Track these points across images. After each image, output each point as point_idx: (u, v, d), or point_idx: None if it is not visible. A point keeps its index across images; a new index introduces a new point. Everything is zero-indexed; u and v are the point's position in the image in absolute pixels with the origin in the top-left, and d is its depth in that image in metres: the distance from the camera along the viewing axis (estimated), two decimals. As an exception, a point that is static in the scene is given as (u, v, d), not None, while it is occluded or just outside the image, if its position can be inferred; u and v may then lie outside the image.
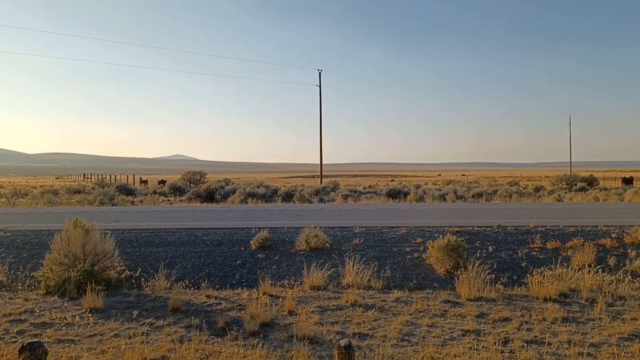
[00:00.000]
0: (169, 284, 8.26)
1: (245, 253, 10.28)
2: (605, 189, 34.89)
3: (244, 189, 30.96)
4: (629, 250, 10.17)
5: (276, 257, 10.01)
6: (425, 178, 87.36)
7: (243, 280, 8.87)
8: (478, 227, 12.36)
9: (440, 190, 32.30)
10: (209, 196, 29.72)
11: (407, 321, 6.46)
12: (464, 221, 13.83)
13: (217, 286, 8.44)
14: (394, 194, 29.96)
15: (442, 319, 6.58)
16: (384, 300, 7.48)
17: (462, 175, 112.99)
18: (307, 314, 6.76)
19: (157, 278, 8.35)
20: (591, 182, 40.06)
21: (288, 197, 28.98)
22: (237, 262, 9.75)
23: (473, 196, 29.60)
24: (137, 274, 8.78)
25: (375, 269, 8.95)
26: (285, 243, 10.92)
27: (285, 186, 38.34)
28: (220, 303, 7.41)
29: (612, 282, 8.25)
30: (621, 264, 9.49)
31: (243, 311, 6.85)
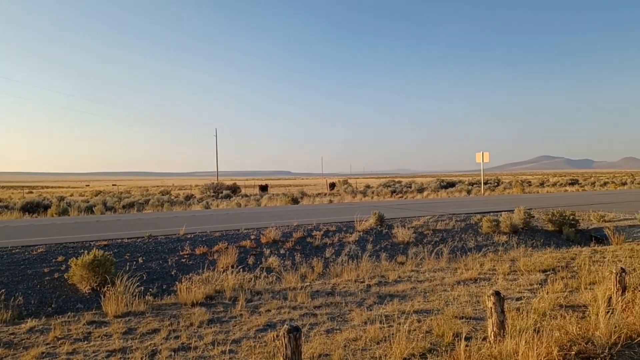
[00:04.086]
0: None
1: None
2: (246, 196, 39.14)
3: None
4: (265, 249, 11.53)
5: None
6: (71, 189, 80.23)
7: None
8: (128, 238, 11.92)
9: (88, 202, 30.10)
10: None
11: (43, 352, 5.58)
12: (113, 234, 13.14)
13: None
14: (32, 208, 26.25)
15: (86, 342, 5.95)
16: (13, 334, 6.30)
17: (113, 185, 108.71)
18: None
19: None
20: (235, 189, 44.39)
21: None
22: None
23: (124, 207, 28.67)
24: None
25: (2, 297, 7.52)
26: None
27: None
28: None
29: (251, 279, 9.14)
30: (258, 262, 10.67)
31: None
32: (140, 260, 10.24)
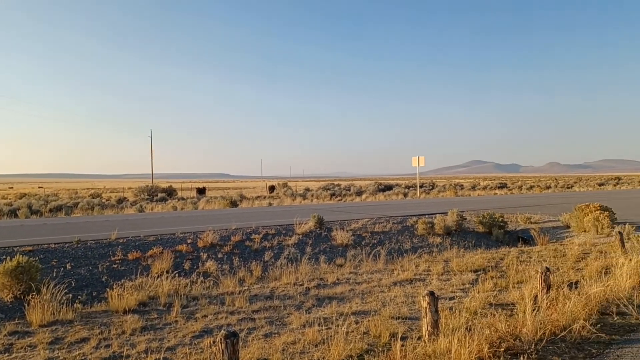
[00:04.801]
0: None
1: None
2: (183, 199, 38.20)
3: None
4: (202, 253, 11.28)
5: None
6: (-7, 191, 75.21)
7: None
8: (55, 244, 11.31)
9: (12, 205, 28.32)
10: None
11: (-43, 368, 5.18)
12: (39, 239, 12.42)
13: None
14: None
15: (7, 354, 5.58)
16: None
17: (40, 187, 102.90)
18: None
19: None
20: (170, 192, 43.20)
21: None
22: None
23: (51, 210, 27.22)
24: None
25: None
26: None
27: None
28: None
29: (187, 284, 8.91)
30: (195, 267, 10.42)
31: None
32: (68, 266, 9.74)
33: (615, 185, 62.32)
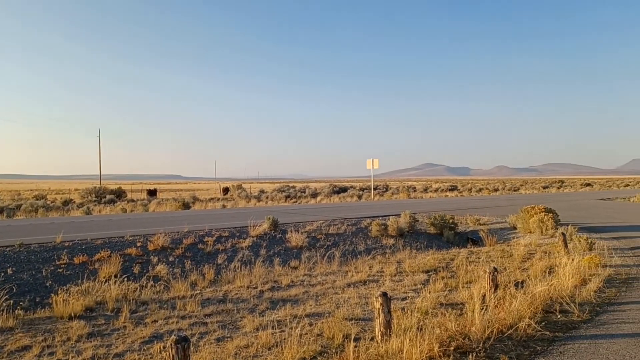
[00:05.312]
0: None
1: None
2: (133, 201, 37.14)
3: None
4: (152, 257, 11.00)
5: None
6: None
7: None
8: (-5, 247, 10.76)
9: (-53, 207, 26.72)
10: None
11: None
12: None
13: None
14: None
15: (-61, 367, 5.26)
16: None
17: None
18: None
19: None
20: (120, 194, 41.92)
21: None
22: None
23: (-9, 212, 25.85)
24: None
25: None
26: None
27: None
28: None
29: (137, 289, 8.66)
30: (145, 271, 10.15)
31: None
32: (9, 271, 9.28)
33: (558, 188, 65.12)
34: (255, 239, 13.32)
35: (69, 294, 7.71)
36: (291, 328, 5.71)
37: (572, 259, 8.66)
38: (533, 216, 14.86)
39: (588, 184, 76.91)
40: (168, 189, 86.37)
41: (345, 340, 5.12)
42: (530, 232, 14.64)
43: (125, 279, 9.04)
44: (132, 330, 6.37)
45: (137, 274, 9.89)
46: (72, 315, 7.02)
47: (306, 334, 5.77)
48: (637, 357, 4.59)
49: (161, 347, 5.41)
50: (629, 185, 75.88)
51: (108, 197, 38.63)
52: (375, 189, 53.19)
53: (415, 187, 67.16)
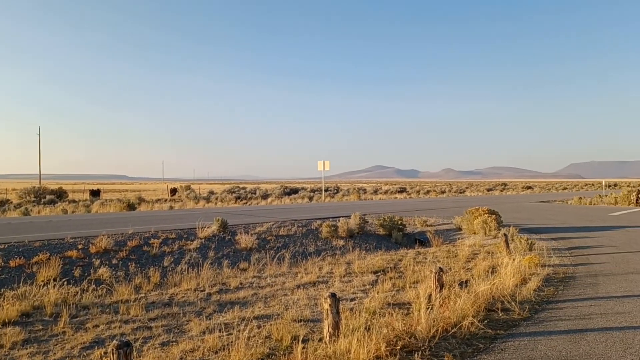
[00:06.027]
0: None
1: None
2: (75, 201, 35.72)
3: None
4: (94, 259, 10.60)
5: None
6: None
7: None
8: None
9: None
10: None
11: None
12: None
13: None
14: None
15: None
16: None
17: None
18: None
19: None
20: (61, 194, 40.20)
21: None
22: None
23: None
24: None
25: None
26: None
27: None
28: None
29: (78, 293, 8.32)
30: (86, 274, 9.77)
31: None
32: None
33: (502, 191, 67.66)
34: (203, 240, 13.09)
35: (4, 298, 7.32)
36: (239, 331, 5.63)
37: (514, 259, 9.00)
38: (477, 218, 15.35)
39: (529, 187, 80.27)
40: (113, 189, 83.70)
41: (294, 342, 5.10)
42: (475, 233, 15.11)
43: (66, 283, 8.68)
44: (72, 335, 6.10)
45: (78, 278, 9.50)
46: (7, 321, 6.65)
47: (254, 336, 5.71)
48: (572, 353, 4.81)
49: (102, 353, 5.21)
50: (566, 188, 79.96)
51: (48, 197, 36.95)
52: (326, 190, 53.48)
53: (365, 189, 67.97)
